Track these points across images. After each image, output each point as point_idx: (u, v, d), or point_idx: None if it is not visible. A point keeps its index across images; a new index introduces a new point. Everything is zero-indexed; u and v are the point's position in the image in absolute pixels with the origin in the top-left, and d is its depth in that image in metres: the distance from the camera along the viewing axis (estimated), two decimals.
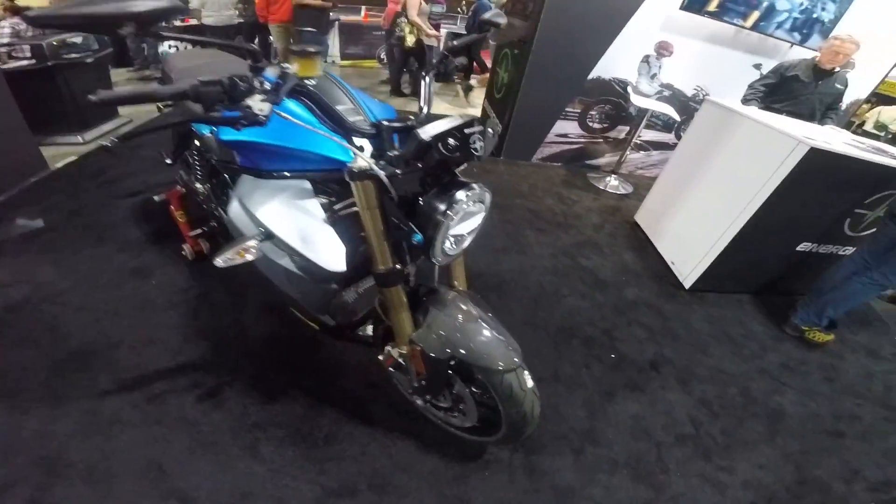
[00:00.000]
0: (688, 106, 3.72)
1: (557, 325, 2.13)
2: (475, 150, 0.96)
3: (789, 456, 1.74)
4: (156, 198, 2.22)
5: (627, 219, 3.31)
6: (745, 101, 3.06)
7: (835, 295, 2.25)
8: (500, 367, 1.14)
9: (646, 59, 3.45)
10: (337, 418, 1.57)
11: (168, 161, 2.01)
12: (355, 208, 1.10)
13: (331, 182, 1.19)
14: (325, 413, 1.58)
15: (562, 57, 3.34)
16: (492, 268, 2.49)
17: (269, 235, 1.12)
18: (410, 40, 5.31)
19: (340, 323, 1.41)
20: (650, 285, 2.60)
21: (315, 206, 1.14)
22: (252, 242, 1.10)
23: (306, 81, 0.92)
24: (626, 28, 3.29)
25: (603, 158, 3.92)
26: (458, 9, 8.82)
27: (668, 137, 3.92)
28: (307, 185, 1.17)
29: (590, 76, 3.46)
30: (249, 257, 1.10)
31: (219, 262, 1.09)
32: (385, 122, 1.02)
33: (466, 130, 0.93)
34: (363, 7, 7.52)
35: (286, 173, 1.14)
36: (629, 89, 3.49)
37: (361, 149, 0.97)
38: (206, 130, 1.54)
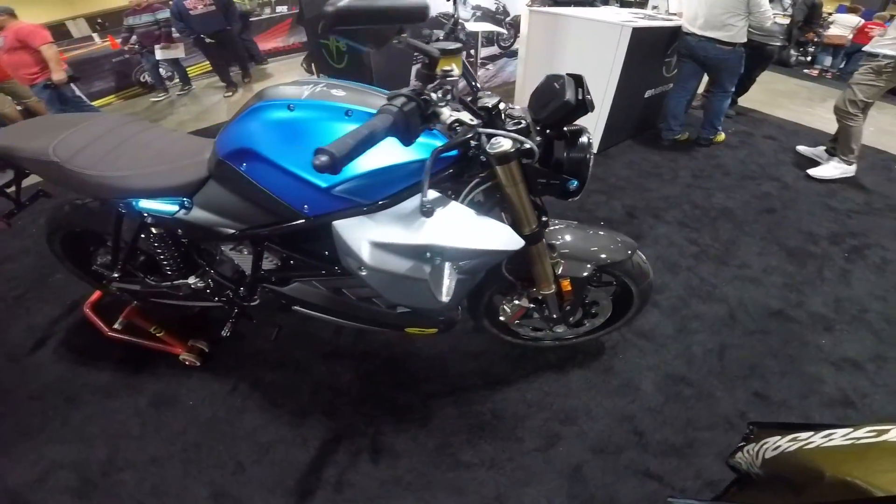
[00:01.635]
0: (496, 19, 4.00)
1: None
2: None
3: (765, 239, 2.30)
4: (117, 326, 1.61)
5: None
6: (532, 2, 3.44)
7: (708, 113, 3.08)
8: (629, 254, 1.28)
9: None
10: (483, 396, 1.56)
11: (116, 275, 1.45)
12: (482, 188, 1.03)
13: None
14: (472, 400, 1.55)
15: None
16: None
17: (440, 253, 0.97)
18: None
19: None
20: None
21: (454, 203, 1.00)
22: (448, 267, 0.94)
23: None
24: None
25: (460, 84, 4.03)
26: None
27: (493, 49, 4.21)
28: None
29: None
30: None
31: (443, 296, 0.91)
32: (491, 104, 0.94)
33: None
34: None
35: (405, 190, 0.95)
36: (456, 18, 3.59)
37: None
38: (172, 210, 1.15)
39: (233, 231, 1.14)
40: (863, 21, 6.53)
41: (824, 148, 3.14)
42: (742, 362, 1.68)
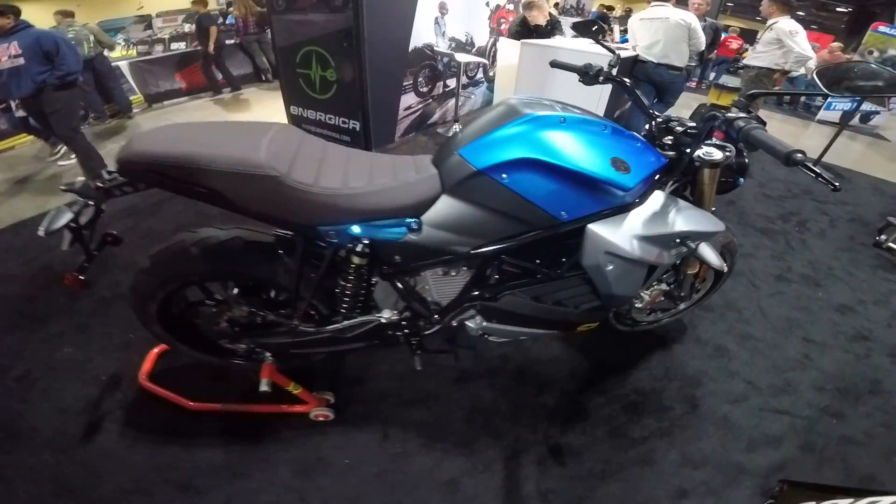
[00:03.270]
0: (466, 49, 4.23)
1: None
2: None
3: (741, 224, 2.82)
4: (265, 388, 1.34)
5: None
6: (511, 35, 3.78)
7: None
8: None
9: (436, 21, 3.68)
10: (618, 381, 1.69)
11: (296, 323, 1.27)
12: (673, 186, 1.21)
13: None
14: (611, 387, 1.67)
15: (388, 39, 3.28)
16: None
17: (688, 237, 1.13)
18: None
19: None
20: None
21: (679, 199, 1.19)
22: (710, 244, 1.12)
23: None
24: None
25: (436, 114, 4.16)
26: None
27: (463, 79, 4.43)
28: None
29: (410, 48, 3.51)
30: None
31: (723, 266, 1.13)
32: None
33: None
34: None
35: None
36: (436, 47, 3.74)
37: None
38: (399, 233, 1.07)
39: (467, 249, 1.12)
40: (724, 35, 8.10)
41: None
42: (780, 318, 2.06)
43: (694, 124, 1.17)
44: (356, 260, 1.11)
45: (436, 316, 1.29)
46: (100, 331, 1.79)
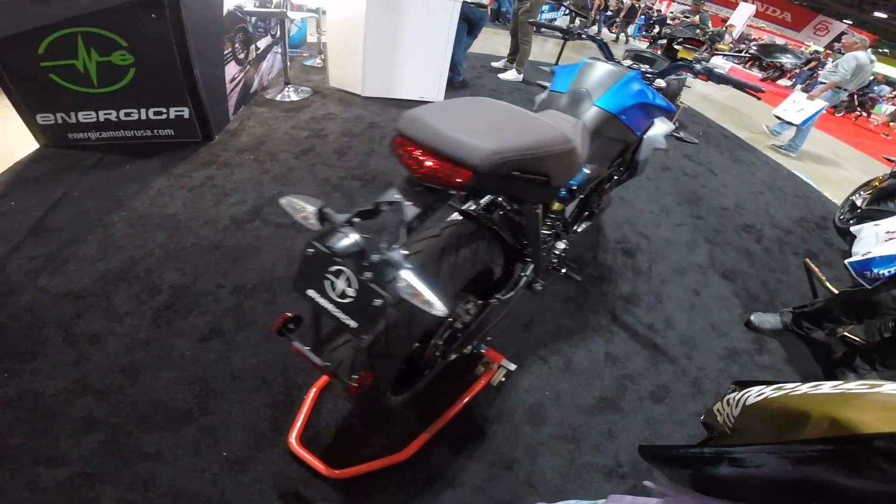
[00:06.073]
0: (266, 6, 3.66)
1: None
2: None
3: None
4: (513, 367, 1.47)
5: (345, 102, 3.68)
6: None
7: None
8: None
9: None
10: (606, 240, 2.44)
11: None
12: None
13: None
14: (605, 247, 2.41)
15: (204, 4, 2.62)
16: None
17: (673, 132, 1.87)
18: None
19: None
20: None
21: None
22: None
23: None
24: None
25: (256, 81, 3.57)
26: None
27: (268, 39, 3.84)
28: None
29: (224, 12, 2.86)
30: None
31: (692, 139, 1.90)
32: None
33: None
34: None
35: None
36: (245, 8, 3.11)
37: None
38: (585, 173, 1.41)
39: (605, 170, 1.57)
40: None
41: (506, 60, 5.21)
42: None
43: (651, 68, 1.69)
44: (558, 205, 1.43)
45: (571, 232, 1.71)
46: (172, 478, 1.16)
